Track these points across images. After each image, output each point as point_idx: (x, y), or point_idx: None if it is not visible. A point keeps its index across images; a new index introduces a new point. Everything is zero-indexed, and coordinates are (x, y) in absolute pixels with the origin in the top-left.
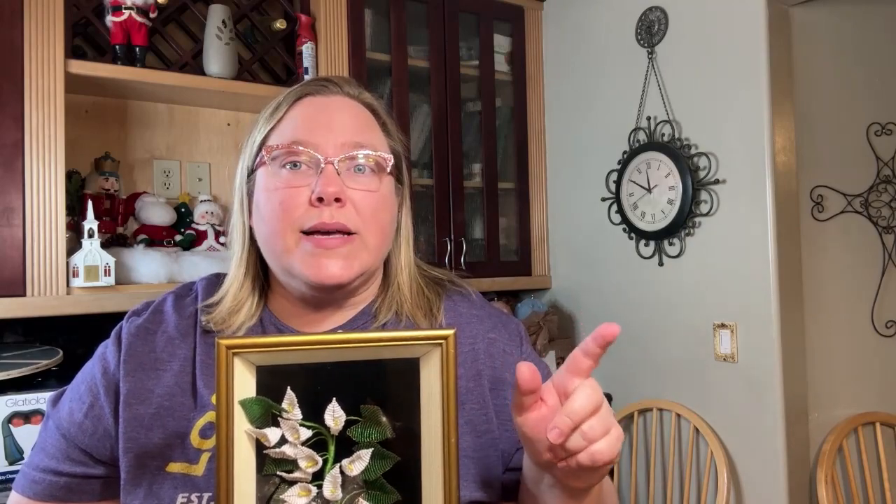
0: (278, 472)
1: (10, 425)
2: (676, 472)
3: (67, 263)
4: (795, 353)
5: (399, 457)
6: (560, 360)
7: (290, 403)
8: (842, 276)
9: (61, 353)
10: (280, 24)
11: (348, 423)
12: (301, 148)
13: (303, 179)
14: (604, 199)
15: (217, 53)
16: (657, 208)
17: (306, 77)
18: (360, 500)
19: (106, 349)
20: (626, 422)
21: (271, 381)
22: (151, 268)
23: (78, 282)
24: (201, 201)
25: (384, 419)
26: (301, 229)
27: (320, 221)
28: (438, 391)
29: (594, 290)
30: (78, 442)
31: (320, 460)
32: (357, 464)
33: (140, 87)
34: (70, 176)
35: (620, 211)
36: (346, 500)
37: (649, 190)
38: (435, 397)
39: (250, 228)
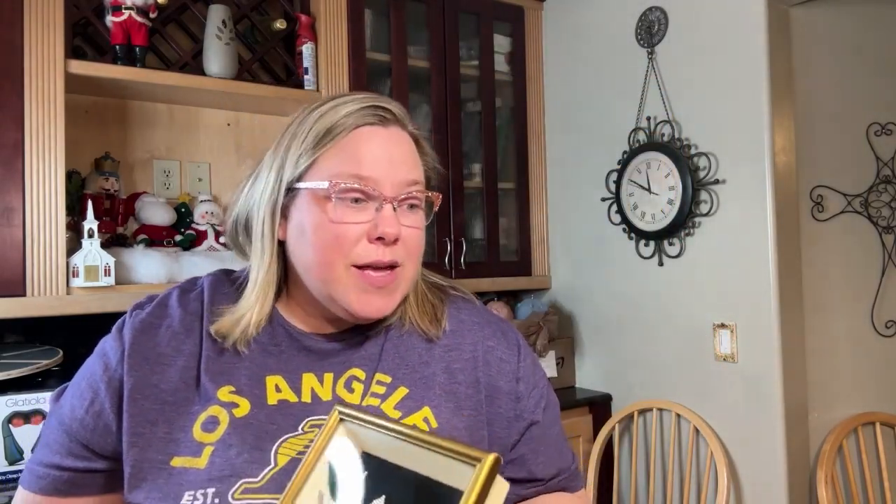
0: None
1: (10, 425)
2: (676, 472)
3: (67, 263)
4: (795, 353)
5: None
6: (560, 360)
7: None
8: (842, 276)
9: (61, 353)
10: (280, 25)
11: None
12: (364, 187)
13: (362, 215)
14: (604, 199)
15: (217, 53)
16: (657, 208)
17: (306, 77)
18: None
19: (106, 344)
20: (627, 422)
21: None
22: (151, 268)
23: (78, 282)
24: (201, 201)
25: None
26: (354, 263)
27: (377, 258)
28: None
29: (594, 290)
30: (80, 437)
31: None
32: None
33: (140, 87)
34: (70, 176)
35: (620, 211)
36: None
37: (649, 190)
38: None
39: (280, 242)
